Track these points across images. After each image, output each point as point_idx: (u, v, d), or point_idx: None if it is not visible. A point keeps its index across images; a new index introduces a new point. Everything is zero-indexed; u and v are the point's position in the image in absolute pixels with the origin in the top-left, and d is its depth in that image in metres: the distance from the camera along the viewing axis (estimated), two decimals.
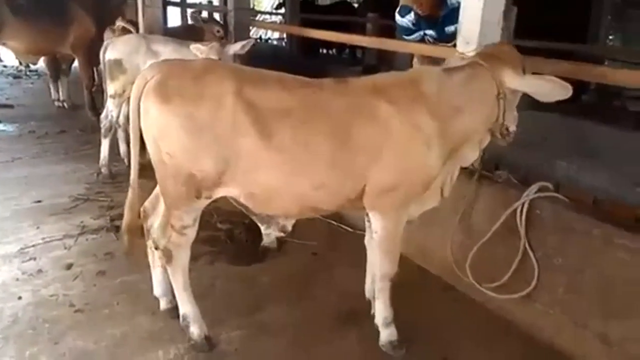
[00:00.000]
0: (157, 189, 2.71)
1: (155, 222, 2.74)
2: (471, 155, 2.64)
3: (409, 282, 3.30)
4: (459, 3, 3.86)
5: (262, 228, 3.60)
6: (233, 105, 2.26)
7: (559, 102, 4.23)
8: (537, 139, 4.15)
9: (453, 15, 3.71)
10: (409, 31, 4.31)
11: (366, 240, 2.90)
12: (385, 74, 2.64)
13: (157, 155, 2.37)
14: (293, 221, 3.21)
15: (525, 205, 2.83)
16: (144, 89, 2.32)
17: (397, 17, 4.31)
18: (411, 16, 4.19)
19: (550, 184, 2.87)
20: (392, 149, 2.36)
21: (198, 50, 4.26)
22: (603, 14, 7.95)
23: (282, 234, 3.58)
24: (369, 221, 2.73)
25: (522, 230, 2.85)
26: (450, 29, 3.98)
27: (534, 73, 2.54)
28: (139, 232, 2.72)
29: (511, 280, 2.93)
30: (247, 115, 2.27)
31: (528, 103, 4.76)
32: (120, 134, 5.21)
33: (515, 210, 2.87)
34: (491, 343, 2.82)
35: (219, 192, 2.44)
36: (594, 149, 3.83)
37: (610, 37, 8.71)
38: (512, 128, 2.57)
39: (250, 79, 2.37)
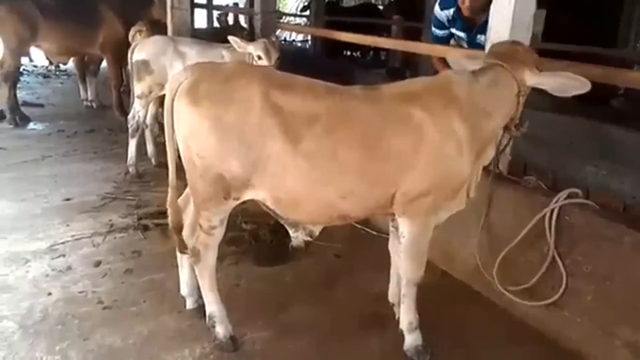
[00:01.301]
0: (188, 189, 2.76)
1: (186, 220, 2.77)
2: (491, 154, 2.67)
3: (433, 287, 3.29)
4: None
5: (291, 231, 3.61)
6: (261, 108, 2.28)
7: (587, 107, 4.17)
8: (565, 144, 4.10)
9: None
10: (441, 26, 4.28)
11: (390, 245, 2.90)
12: (415, 80, 2.64)
13: (187, 156, 2.42)
14: (321, 226, 3.22)
15: (555, 212, 2.79)
16: (177, 91, 2.37)
17: (437, 8, 4.27)
18: (450, 12, 4.15)
19: (579, 190, 2.82)
20: (425, 156, 2.36)
21: (236, 44, 4.31)
22: (633, 17, 7.80)
23: (309, 238, 3.59)
24: (394, 226, 2.74)
25: (550, 237, 2.81)
26: (481, 38, 3.97)
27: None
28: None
29: (538, 286, 2.89)
30: (275, 119, 2.28)
31: (555, 107, 4.71)
32: (148, 134, 5.29)
33: (544, 217, 2.83)
34: (517, 350, 2.79)
35: (248, 195, 2.46)
36: (623, 154, 3.77)
37: None
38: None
39: (279, 83, 2.38)
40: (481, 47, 3.97)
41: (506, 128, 2.58)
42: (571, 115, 4.51)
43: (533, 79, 2.43)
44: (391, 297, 3.01)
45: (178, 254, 2.88)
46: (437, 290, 3.27)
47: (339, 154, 2.33)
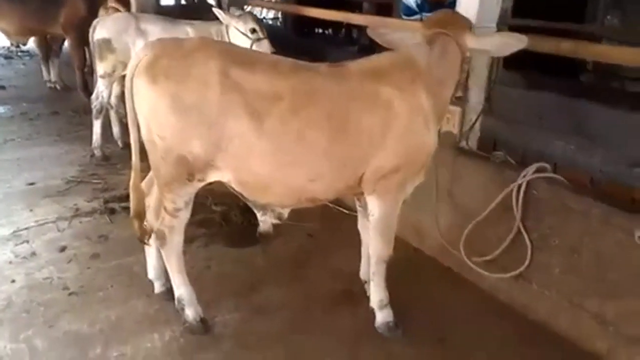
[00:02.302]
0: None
1: (150, 203, 2.70)
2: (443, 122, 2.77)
3: (404, 264, 3.30)
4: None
5: (259, 215, 3.56)
6: (220, 85, 2.21)
7: (556, 82, 4.16)
8: (534, 119, 4.12)
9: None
10: (411, 11, 4.36)
11: (359, 224, 2.90)
12: (380, 56, 2.57)
13: (148, 136, 2.34)
14: (290, 208, 3.18)
15: (523, 186, 2.80)
16: (135, 69, 2.28)
17: None
18: None
19: (547, 165, 2.83)
20: (395, 132, 2.34)
21: (221, 16, 4.50)
22: None
23: (278, 221, 3.55)
24: (361, 205, 2.74)
25: (517, 211, 2.82)
26: None
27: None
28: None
29: (505, 260, 2.93)
30: (236, 97, 2.22)
31: (524, 82, 4.72)
32: (113, 115, 5.13)
33: (511, 191, 2.84)
34: (488, 324, 2.83)
35: (212, 176, 2.41)
36: (591, 129, 3.80)
37: (608, 17, 8.59)
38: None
39: (239, 59, 2.31)
40: None
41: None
42: (540, 90, 4.54)
43: (474, 42, 2.44)
44: (363, 275, 3.02)
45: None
46: (409, 267, 3.29)
47: (306, 135, 2.28)
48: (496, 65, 3.10)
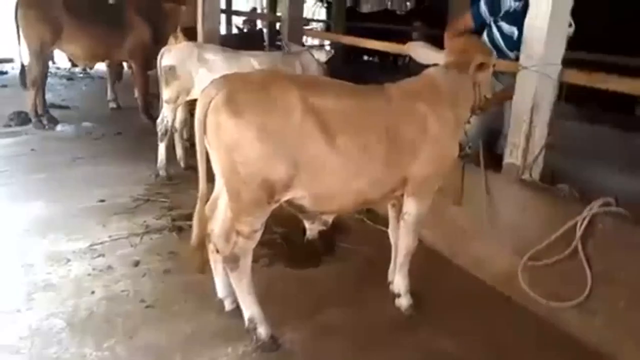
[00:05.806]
0: (215, 194, 2.86)
1: (215, 228, 2.83)
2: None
3: (464, 293, 3.37)
4: (517, 6, 3.79)
5: (307, 224, 3.71)
6: (301, 112, 2.44)
7: (612, 116, 4.20)
8: (592, 152, 4.15)
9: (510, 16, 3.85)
10: (501, 53, 4.31)
11: (391, 227, 3.24)
12: (411, 79, 2.95)
13: (228, 165, 2.50)
14: (333, 215, 3.39)
15: (586, 220, 2.85)
16: (209, 106, 2.44)
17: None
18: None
19: (612, 199, 2.87)
20: (429, 143, 2.76)
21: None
22: None
23: (324, 228, 3.70)
24: (394, 211, 3.12)
25: (580, 244, 2.86)
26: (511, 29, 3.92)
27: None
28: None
29: (567, 292, 2.95)
30: (313, 120, 2.46)
31: (582, 116, 4.76)
32: (177, 138, 5.39)
33: (575, 224, 2.89)
34: (548, 357, 2.85)
35: (287, 195, 2.60)
36: None
37: None
38: (488, 95, 3.07)
39: (310, 86, 2.59)
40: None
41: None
42: (597, 124, 4.57)
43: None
44: (390, 276, 3.29)
45: (211, 257, 2.94)
46: (467, 296, 3.34)
47: (370, 147, 2.62)
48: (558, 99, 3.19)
